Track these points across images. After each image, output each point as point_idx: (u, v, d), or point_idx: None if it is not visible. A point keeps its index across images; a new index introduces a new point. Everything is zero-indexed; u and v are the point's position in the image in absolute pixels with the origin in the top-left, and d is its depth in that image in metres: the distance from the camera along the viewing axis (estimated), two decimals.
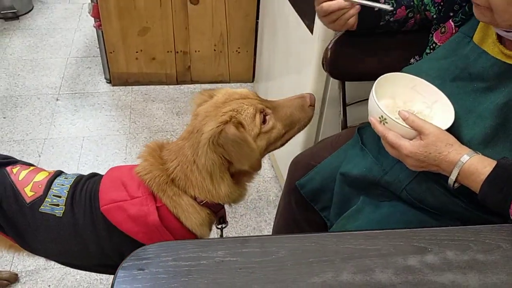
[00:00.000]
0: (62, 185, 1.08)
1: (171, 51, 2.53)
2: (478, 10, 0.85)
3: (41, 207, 1.04)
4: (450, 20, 0.99)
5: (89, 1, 2.35)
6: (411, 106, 0.96)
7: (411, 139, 0.85)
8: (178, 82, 2.66)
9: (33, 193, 1.05)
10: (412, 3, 1.11)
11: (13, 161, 1.17)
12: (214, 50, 2.57)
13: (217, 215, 1.08)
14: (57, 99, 2.49)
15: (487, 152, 0.85)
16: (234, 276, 0.67)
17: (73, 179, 1.10)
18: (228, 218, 1.13)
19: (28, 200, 1.05)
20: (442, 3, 1.03)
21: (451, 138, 0.84)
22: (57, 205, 1.05)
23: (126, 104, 2.50)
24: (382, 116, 0.86)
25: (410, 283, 0.69)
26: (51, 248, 1.09)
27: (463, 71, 0.92)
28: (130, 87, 2.62)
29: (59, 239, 1.05)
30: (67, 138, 2.26)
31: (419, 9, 1.11)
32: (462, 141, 0.86)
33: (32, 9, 3.25)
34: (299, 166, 1.26)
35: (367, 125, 0.99)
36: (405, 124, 0.85)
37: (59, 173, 1.13)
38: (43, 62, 2.76)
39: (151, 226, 1.00)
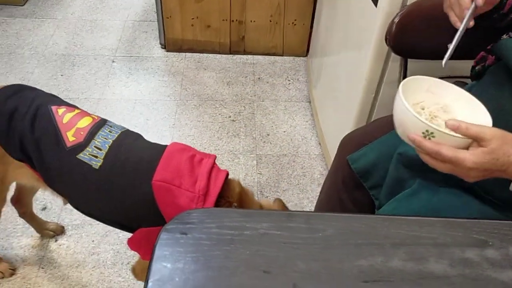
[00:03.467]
0: (106, 138, 1.08)
1: (226, 20, 2.50)
2: None
3: (80, 154, 1.05)
4: None
5: None
6: (440, 109, 0.84)
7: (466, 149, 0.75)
8: (231, 51, 2.63)
9: (74, 138, 1.06)
10: None
11: (58, 101, 1.18)
12: (270, 21, 2.51)
13: None
14: (113, 61, 2.53)
15: None
16: (278, 250, 0.65)
17: (117, 134, 1.10)
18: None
19: (68, 145, 1.06)
20: None
21: None
22: (96, 156, 1.05)
23: (179, 70, 2.51)
24: (427, 131, 0.74)
25: (466, 277, 0.64)
26: (74, 192, 1.11)
27: None
28: (184, 53, 2.62)
29: (87, 188, 1.06)
30: (120, 99, 2.29)
31: None
32: None
33: None
34: (351, 144, 1.21)
35: None
36: (455, 134, 0.75)
37: (103, 123, 1.12)
38: (102, 23, 2.80)
39: None
